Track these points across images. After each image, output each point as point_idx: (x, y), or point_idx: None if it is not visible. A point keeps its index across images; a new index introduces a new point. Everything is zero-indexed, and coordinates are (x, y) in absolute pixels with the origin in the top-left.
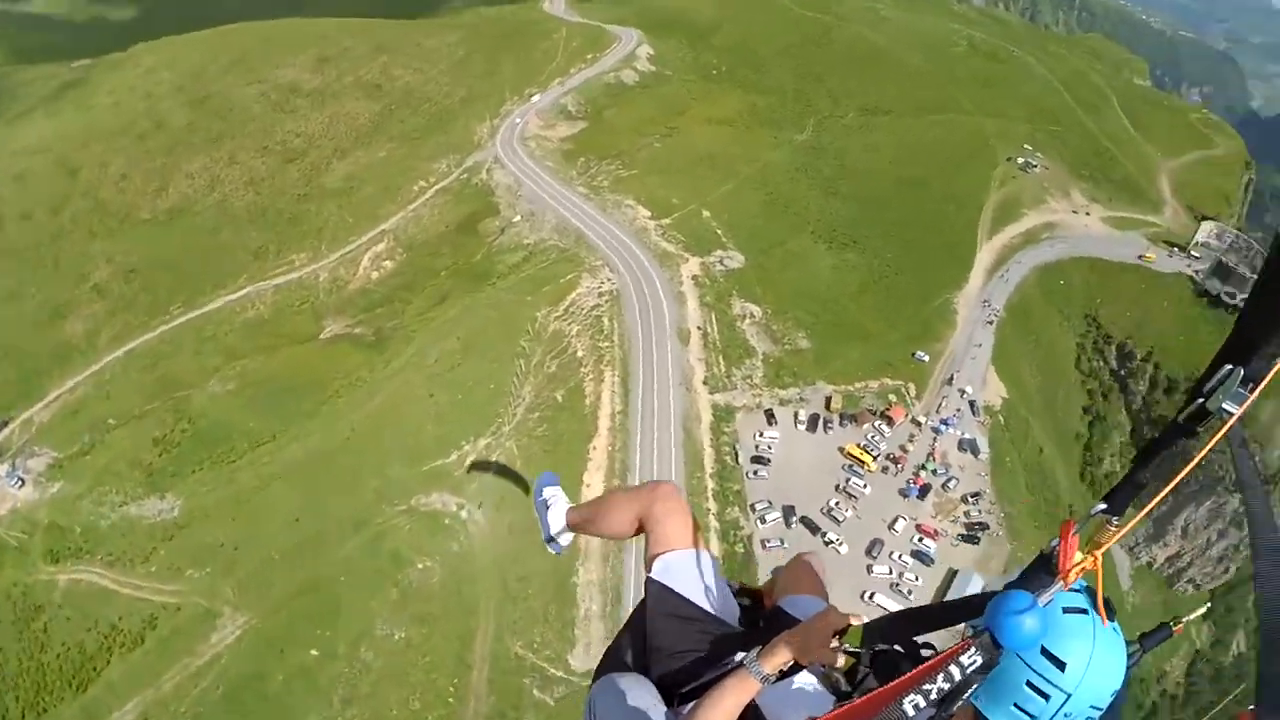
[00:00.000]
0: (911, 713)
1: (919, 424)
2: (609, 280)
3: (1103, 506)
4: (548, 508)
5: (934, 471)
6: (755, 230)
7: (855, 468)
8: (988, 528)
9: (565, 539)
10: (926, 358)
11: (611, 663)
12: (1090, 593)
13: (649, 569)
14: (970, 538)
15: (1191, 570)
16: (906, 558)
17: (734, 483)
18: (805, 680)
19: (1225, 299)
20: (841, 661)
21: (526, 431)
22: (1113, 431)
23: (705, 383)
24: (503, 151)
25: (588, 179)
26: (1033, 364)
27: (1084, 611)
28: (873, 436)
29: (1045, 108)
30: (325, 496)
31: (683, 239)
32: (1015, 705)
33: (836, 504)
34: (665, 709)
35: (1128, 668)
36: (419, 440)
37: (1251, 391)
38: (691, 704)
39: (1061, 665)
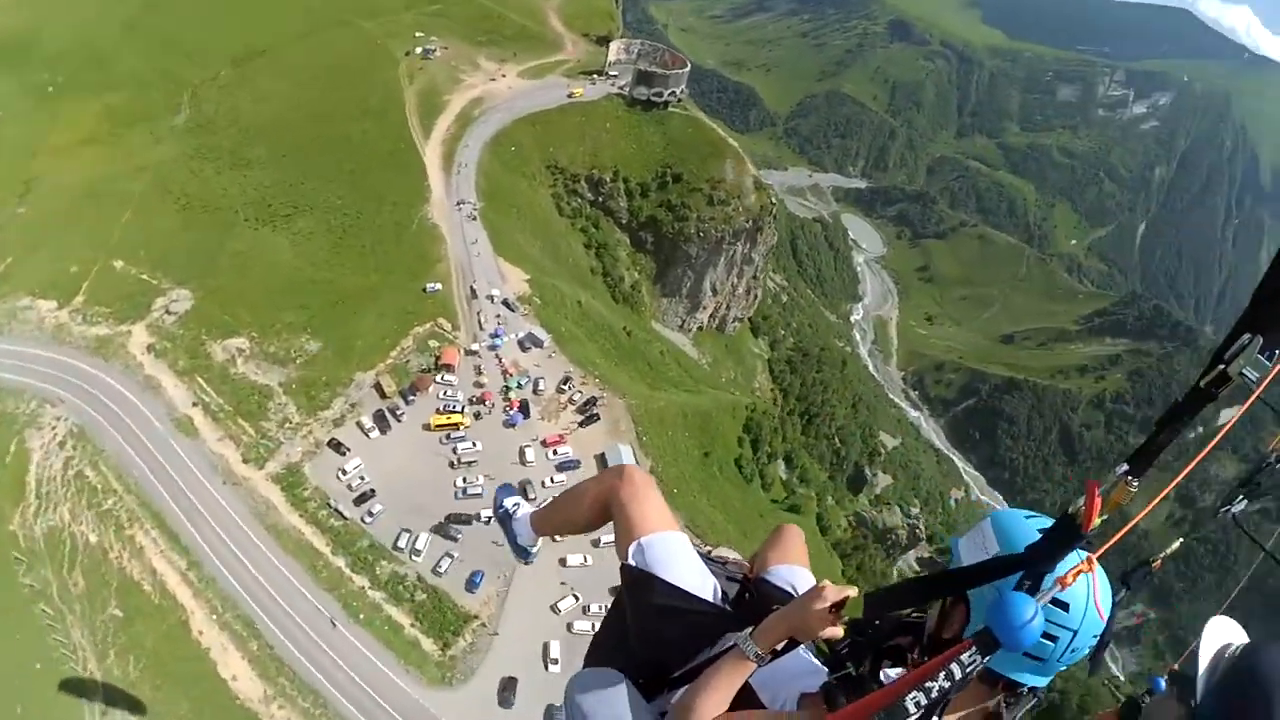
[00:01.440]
0: (913, 710)
1: (475, 352)
2: (59, 419)
3: (1125, 467)
4: (511, 518)
5: (519, 385)
6: (185, 250)
7: (452, 434)
8: (595, 399)
9: (533, 544)
10: (439, 285)
11: (595, 655)
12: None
13: (623, 556)
14: (589, 418)
15: (733, 313)
16: (558, 477)
17: (360, 539)
18: (798, 655)
19: (654, 100)
20: (840, 633)
21: (123, 684)
22: (617, 249)
23: (246, 461)
24: None
25: None
26: (527, 234)
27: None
28: (446, 393)
29: None
30: None
31: (109, 309)
32: (1025, 654)
33: (464, 480)
34: (644, 703)
35: (1114, 606)
36: None
37: (1274, 361)
38: (684, 689)
39: (1065, 606)
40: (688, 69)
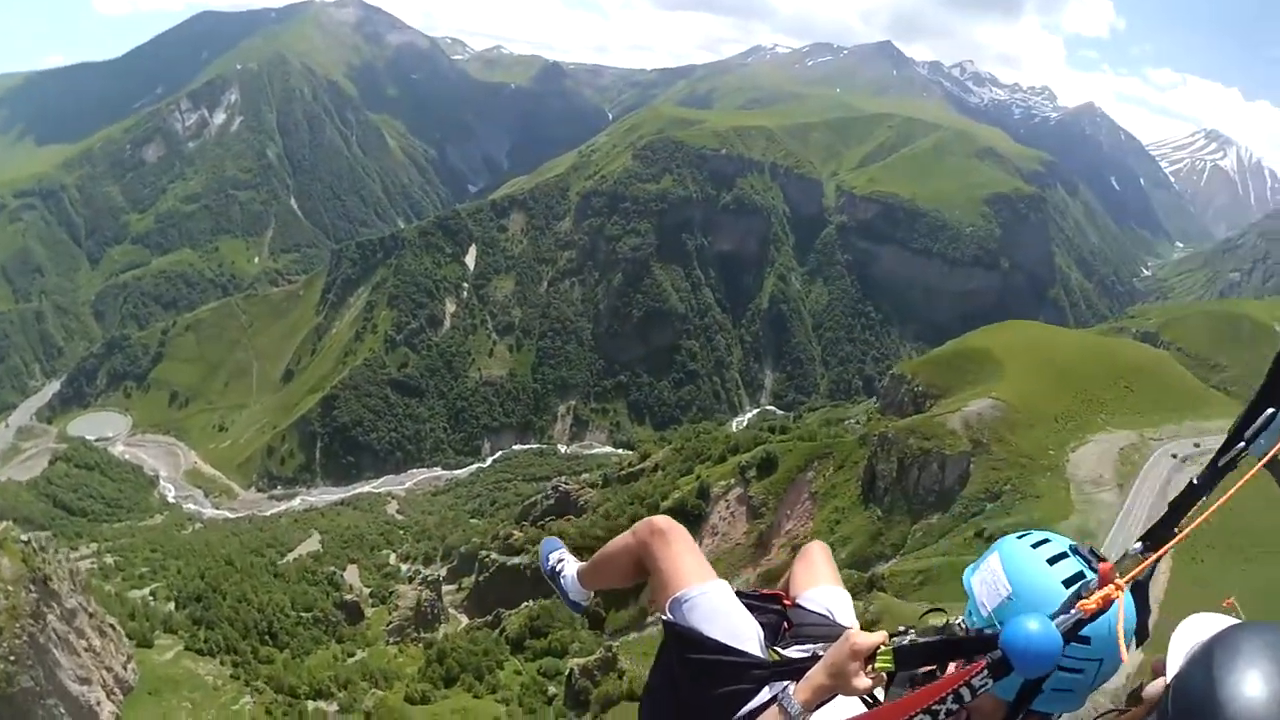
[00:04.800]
0: None
1: None
2: None
3: (1139, 546)
4: (560, 574)
5: None
6: None
7: None
8: None
9: (585, 599)
10: None
11: (648, 715)
12: (1077, 553)
13: (662, 611)
14: None
15: None
16: None
17: None
18: (842, 702)
19: None
20: (883, 680)
21: None
22: None
23: None
24: None
25: None
26: None
27: (1083, 576)
28: None
29: None
30: None
31: None
32: (1053, 690)
33: None
34: None
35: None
36: None
37: None
38: None
39: (1087, 640)
40: None
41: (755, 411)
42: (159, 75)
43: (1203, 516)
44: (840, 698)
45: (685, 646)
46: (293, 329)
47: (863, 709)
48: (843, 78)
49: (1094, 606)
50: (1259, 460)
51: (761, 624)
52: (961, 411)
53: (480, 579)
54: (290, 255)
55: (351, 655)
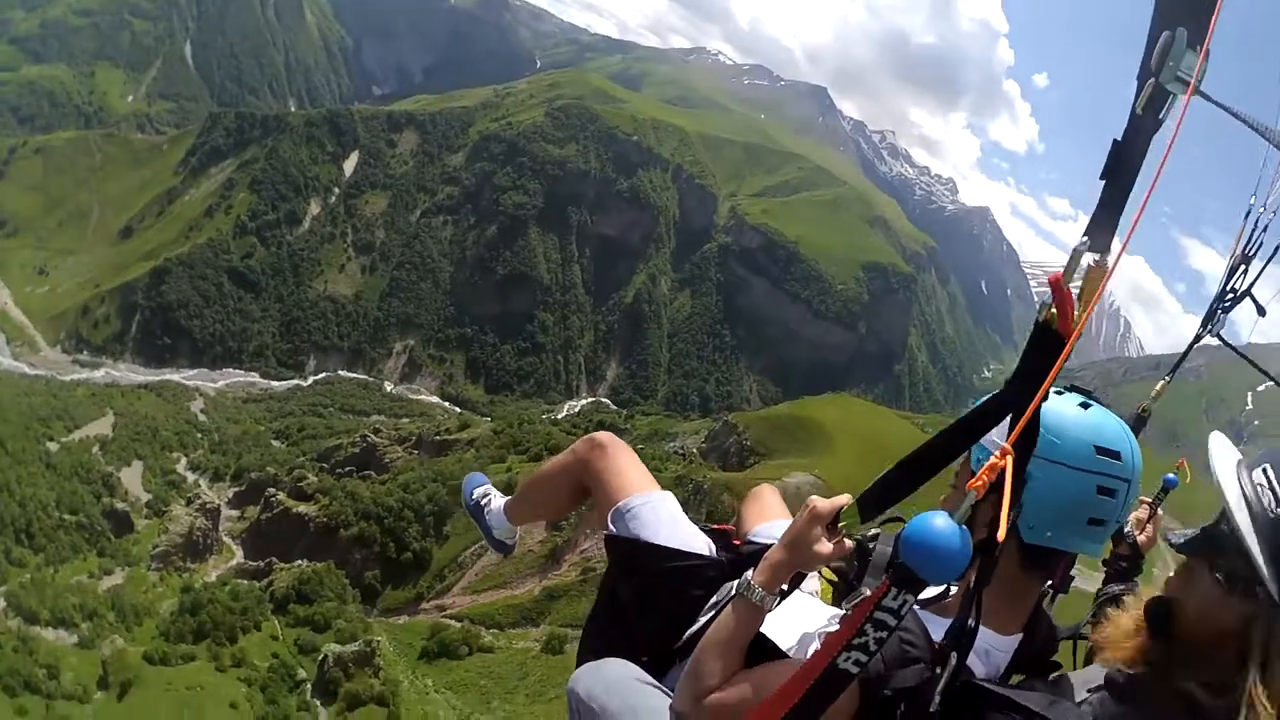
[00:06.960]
0: (855, 670)
1: None
2: None
3: (1084, 239)
4: (484, 510)
5: None
6: None
7: None
8: None
9: (511, 537)
10: None
11: (588, 646)
12: (1070, 388)
13: (604, 526)
14: None
15: None
16: None
17: None
18: (811, 594)
19: None
20: (849, 546)
21: None
22: None
23: None
24: None
25: None
26: None
27: (1088, 405)
28: None
29: None
30: None
31: None
32: (1090, 520)
33: None
34: (656, 681)
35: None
36: None
37: (1199, 52)
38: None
39: (1116, 455)
40: None
41: (590, 400)
42: None
43: (1156, 178)
44: (799, 604)
45: (628, 559)
46: (145, 184)
47: (822, 610)
48: (771, 106)
49: (980, 482)
50: (1179, 89)
51: (715, 552)
52: (781, 480)
53: (263, 517)
54: (166, 103)
55: (109, 573)
